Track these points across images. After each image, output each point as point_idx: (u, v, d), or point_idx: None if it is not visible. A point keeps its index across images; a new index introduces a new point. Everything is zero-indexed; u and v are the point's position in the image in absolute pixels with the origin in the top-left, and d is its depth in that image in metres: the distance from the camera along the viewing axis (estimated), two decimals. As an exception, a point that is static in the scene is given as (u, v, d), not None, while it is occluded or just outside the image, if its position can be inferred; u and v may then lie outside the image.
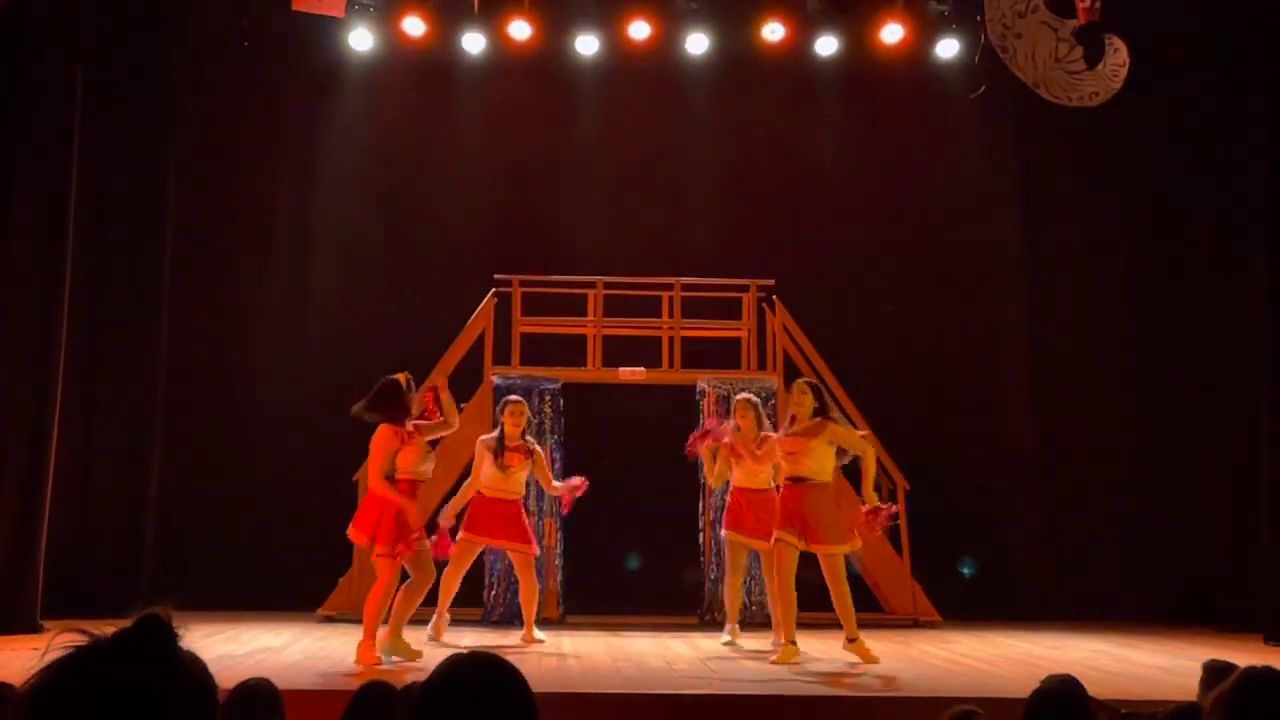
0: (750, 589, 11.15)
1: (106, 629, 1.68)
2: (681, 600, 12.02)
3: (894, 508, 9.25)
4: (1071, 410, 12.95)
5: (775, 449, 9.02)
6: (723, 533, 10.05)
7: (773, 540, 8.80)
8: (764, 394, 11.77)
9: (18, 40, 10.50)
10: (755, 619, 10.94)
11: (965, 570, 12.66)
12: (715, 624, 11.31)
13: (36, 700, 1.62)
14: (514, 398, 10.19)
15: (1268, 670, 2.91)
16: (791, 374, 12.07)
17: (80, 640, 1.66)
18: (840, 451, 8.81)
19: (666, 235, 13.06)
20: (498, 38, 12.40)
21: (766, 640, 9.71)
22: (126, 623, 1.68)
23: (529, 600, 9.94)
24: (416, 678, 2.24)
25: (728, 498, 9.95)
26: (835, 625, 10.37)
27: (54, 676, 1.63)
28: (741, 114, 13.41)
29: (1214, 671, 4.39)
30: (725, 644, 9.66)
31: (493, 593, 11.41)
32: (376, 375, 12.32)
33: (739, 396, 10.12)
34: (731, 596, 10.00)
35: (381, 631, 8.46)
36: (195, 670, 1.71)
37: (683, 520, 11.82)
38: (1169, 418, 12.59)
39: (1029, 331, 13.11)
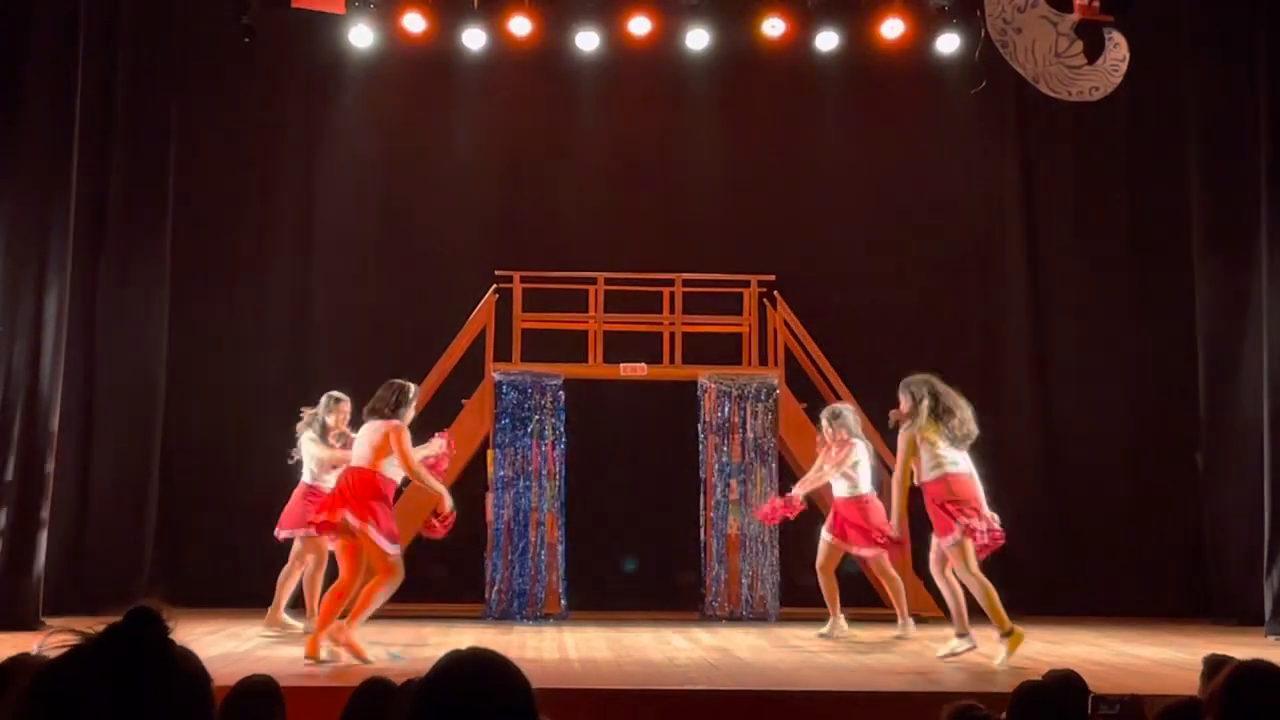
0: (751, 583, 11.33)
1: (98, 627, 1.69)
2: (683, 596, 12.03)
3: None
4: (1073, 404, 12.95)
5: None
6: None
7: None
8: (765, 390, 11.78)
9: (16, 41, 10.49)
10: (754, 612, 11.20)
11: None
12: (717, 619, 11.34)
13: (33, 698, 1.63)
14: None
15: (1260, 664, 2.92)
16: (793, 369, 12.10)
17: (73, 640, 1.67)
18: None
19: (667, 231, 13.06)
20: (498, 34, 12.40)
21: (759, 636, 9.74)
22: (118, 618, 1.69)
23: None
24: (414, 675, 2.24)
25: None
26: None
27: (50, 673, 1.64)
28: (742, 109, 13.41)
29: (1215, 666, 4.39)
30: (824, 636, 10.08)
31: (494, 589, 11.41)
32: (377, 371, 12.37)
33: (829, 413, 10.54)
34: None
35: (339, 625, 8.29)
36: (188, 662, 1.71)
37: (683, 516, 11.82)
38: (1170, 412, 12.59)
39: (1030, 325, 13.10)
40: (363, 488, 8.24)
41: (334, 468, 9.74)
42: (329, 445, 9.96)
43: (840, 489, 10.32)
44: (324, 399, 10.12)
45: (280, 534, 10.05)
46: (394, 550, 8.22)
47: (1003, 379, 13.14)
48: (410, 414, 8.59)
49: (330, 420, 10.02)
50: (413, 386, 8.78)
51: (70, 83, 10.54)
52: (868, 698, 7.16)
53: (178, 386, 12.09)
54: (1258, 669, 2.89)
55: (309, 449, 10.04)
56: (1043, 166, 13.26)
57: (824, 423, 10.44)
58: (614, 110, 13.30)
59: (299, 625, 9.87)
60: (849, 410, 10.51)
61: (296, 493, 10.08)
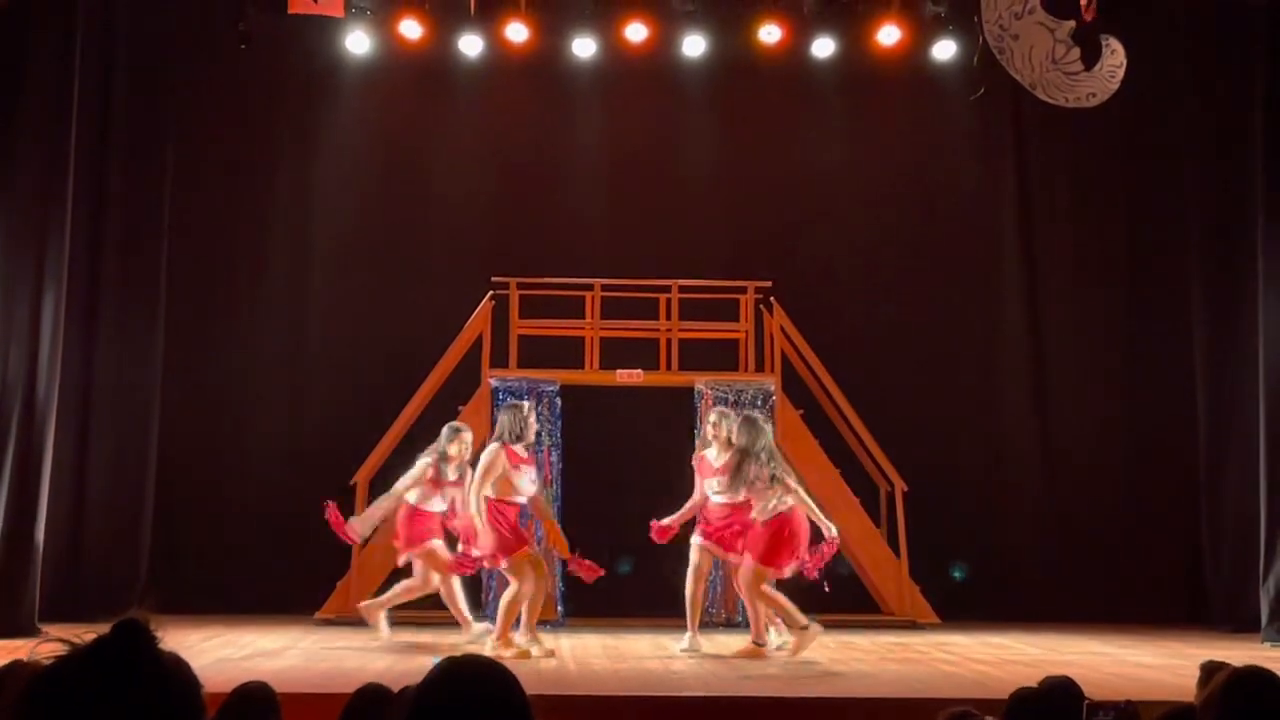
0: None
1: (88, 636, 1.69)
2: (679, 602, 12.00)
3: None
4: (1070, 410, 12.95)
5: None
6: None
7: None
8: (762, 396, 11.78)
9: (15, 44, 10.49)
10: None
11: (956, 574, 12.69)
12: (714, 625, 11.33)
13: (28, 703, 1.63)
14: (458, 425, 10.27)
15: (1254, 670, 2.92)
16: (789, 375, 12.10)
17: (61, 650, 1.67)
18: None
19: (664, 237, 13.05)
20: (495, 40, 12.39)
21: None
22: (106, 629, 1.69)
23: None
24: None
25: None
26: (838, 627, 10.39)
27: (37, 685, 1.64)
28: (739, 116, 13.41)
29: (1211, 673, 4.38)
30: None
31: (491, 595, 11.40)
32: (373, 377, 12.42)
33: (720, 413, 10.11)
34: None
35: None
36: (177, 671, 1.71)
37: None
38: (1168, 418, 12.59)
39: (1028, 331, 13.11)
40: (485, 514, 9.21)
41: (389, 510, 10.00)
42: (442, 476, 9.86)
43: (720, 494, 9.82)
44: (445, 429, 10.03)
45: (399, 559, 10.10)
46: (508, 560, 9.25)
47: (1000, 385, 13.15)
48: (530, 434, 9.58)
49: (451, 450, 9.89)
50: (526, 405, 9.62)
51: (67, 88, 10.52)
52: (863, 704, 7.16)
53: (174, 393, 12.08)
54: (1253, 675, 2.89)
55: (412, 471, 9.97)
56: (1040, 173, 13.26)
57: (713, 419, 9.93)
58: (611, 117, 13.30)
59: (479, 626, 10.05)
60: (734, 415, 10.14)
61: (401, 513, 10.00)
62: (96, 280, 11.56)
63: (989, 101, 12.63)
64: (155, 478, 11.85)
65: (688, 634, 9.73)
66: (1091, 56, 11.03)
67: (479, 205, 13.13)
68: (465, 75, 12.95)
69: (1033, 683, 4.24)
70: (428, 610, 10.76)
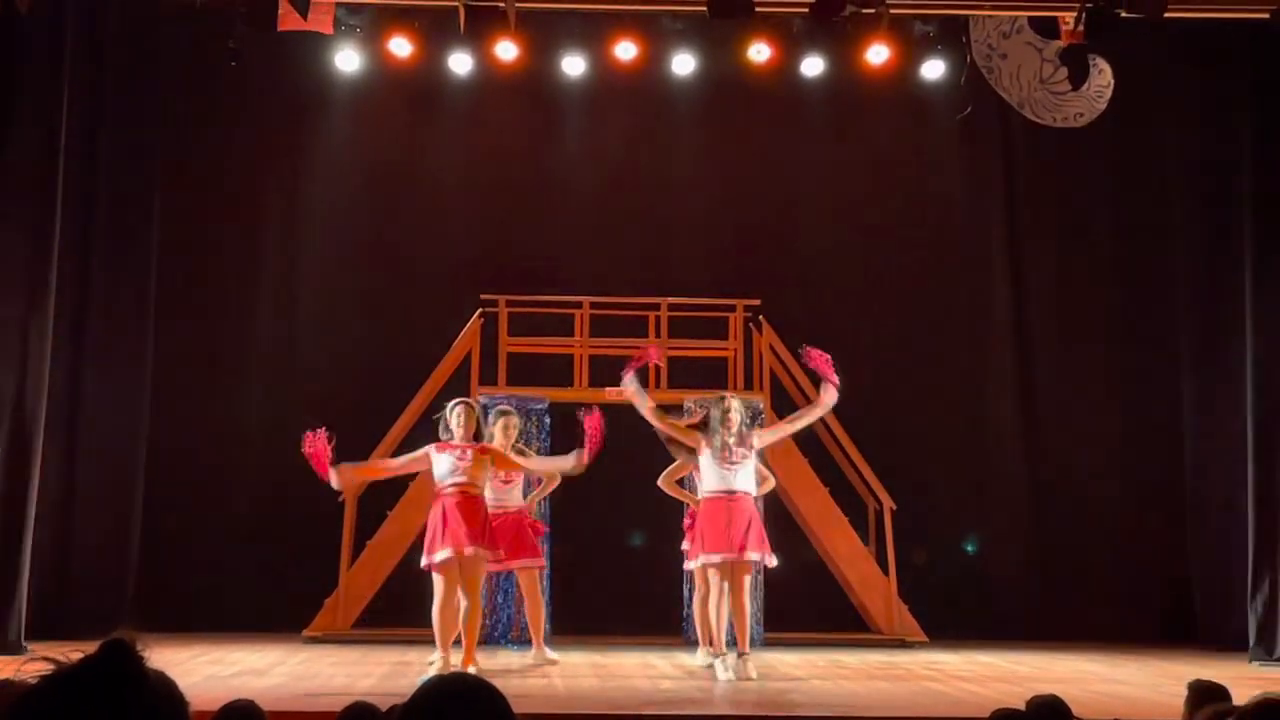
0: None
1: (74, 655, 1.69)
2: (669, 619, 11.99)
3: None
4: (1058, 430, 12.97)
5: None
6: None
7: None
8: (751, 414, 11.78)
9: (2, 65, 10.49)
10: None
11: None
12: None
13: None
14: (504, 407, 10.20)
15: (1213, 685, 2.94)
16: (779, 394, 12.11)
17: (47, 669, 1.67)
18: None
19: (653, 255, 13.07)
20: (484, 58, 12.38)
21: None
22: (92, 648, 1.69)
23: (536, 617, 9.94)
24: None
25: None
26: (827, 645, 10.39)
27: (24, 704, 1.64)
28: (728, 134, 13.44)
29: (1199, 691, 4.39)
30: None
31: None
32: (362, 395, 12.40)
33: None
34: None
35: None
36: (164, 689, 1.71)
37: (669, 538, 11.79)
38: (1156, 437, 12.61)
39: (1016, 351, 13.13)
40: None
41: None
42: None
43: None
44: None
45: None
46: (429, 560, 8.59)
47: (988, 404, 13.16)
48: (451, 432, 8.82)
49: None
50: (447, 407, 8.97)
51: (56, 103, 10.51)
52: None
53: (162, 412, 12.06)
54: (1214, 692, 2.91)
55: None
56: (1028, 192, 13.29)
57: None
58: (600, 135, 13.32)
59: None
60: None
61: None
62: (85, 299, 11.53)
63: (977, 121, 12.67)
64: (143, 496, 11.82)
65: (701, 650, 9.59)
66: (1079, 76, 11.07)
67: (468, 223, 13.14)
68: (455, 93, 12.96)
69: (1021, 701, 4.24)
70: (417, 629, 10.73)
